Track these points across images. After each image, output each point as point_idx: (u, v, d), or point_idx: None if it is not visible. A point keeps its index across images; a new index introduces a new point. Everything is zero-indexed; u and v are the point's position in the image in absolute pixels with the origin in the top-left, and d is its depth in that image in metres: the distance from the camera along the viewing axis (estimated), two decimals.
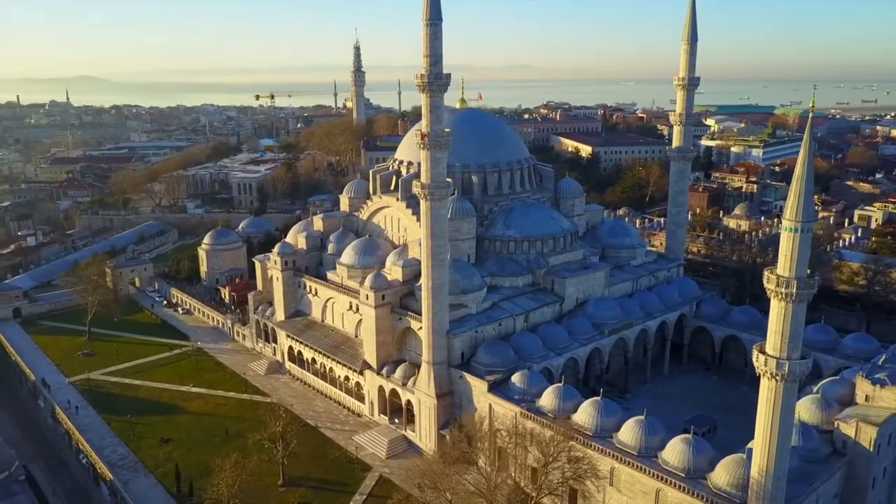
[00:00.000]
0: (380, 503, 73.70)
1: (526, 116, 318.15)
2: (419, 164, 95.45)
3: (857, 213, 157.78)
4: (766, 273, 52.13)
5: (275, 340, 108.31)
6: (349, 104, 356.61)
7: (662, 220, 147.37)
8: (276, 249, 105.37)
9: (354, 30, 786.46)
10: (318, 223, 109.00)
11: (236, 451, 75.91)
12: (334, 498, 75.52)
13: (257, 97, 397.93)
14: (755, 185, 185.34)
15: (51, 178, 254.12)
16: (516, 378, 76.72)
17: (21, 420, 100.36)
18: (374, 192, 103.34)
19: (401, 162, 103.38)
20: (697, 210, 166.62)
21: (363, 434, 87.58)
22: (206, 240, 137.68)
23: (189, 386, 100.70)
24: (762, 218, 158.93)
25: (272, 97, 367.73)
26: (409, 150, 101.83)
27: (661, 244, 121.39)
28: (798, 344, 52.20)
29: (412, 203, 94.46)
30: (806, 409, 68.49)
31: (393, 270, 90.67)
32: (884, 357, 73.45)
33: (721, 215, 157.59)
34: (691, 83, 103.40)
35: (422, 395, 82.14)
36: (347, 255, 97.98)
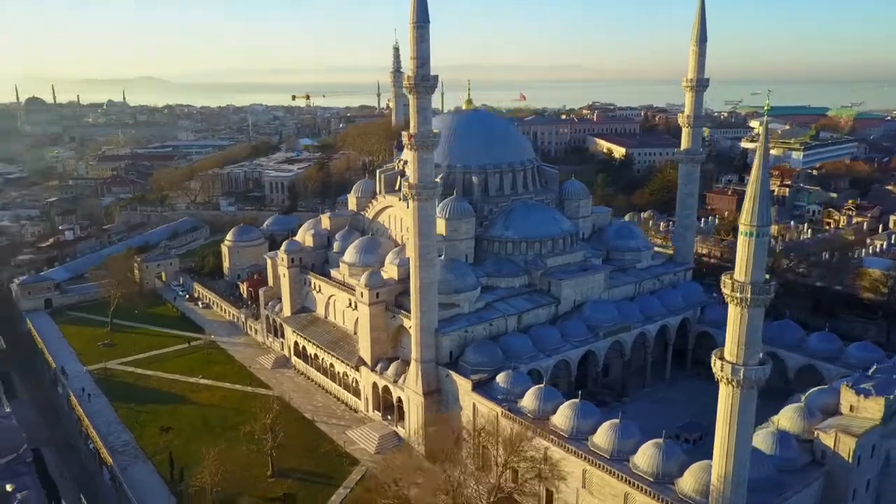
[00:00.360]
0: (362, 497, 74.99)
1: (563, 117, 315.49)
2: (448, 165, 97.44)
3: (892, 218, 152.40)
4: (722, 278, 51.56)
5: (282, 335, 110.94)
6: (391, 104, 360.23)
7: None
8: (283, 247, 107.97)
9: (394, 31, 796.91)
10: (325, 221, 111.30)
11: (227, 442, 78.33)
12: (319, 490, 77.21)
13: (294, 97, 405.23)
14: (787, 189, 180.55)
15: (98, 174, 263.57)
16: (500, 378, 77.19)
17: (41, 406, 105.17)
18: (380, 192, 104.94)
19: (405, 162, 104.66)
20: (725, 213, 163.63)
21: (357, 429, 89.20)
22: (229, 236, 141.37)
23: (198, 377, 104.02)
24: (792, 223, 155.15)
25: (308, 97, 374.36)
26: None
27: None
28: (755, 350, 51.48)
29: None
30: (788, 417, 67.37)
31: (389, 269, 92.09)
32: (875, 367, 71.42)
33: None
34: (700, 84, 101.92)
35: (410, 392, 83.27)
36: (349, 254, 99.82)
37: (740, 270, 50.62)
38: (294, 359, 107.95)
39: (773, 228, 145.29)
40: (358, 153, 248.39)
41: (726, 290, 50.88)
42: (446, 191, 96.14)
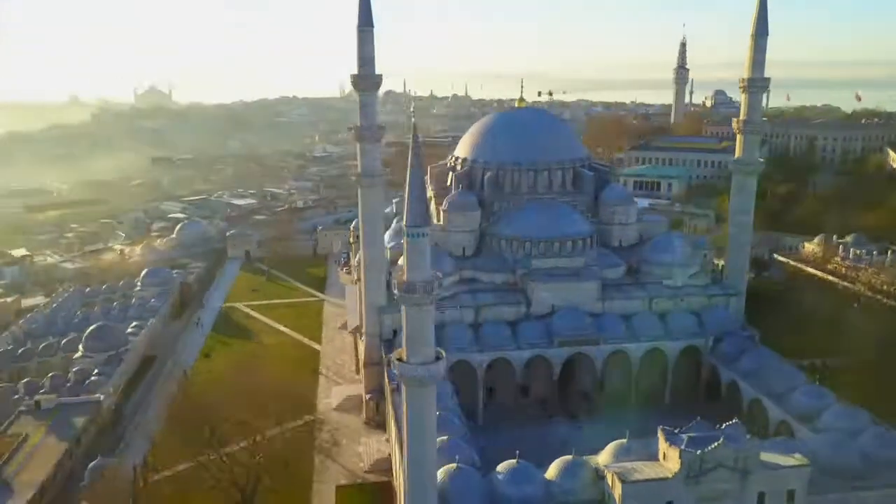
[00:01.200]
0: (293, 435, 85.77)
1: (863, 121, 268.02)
2: (464, 158, 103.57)
3: None
4: (394, 277, 52.55)
5: None
6: (673, 102, 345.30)
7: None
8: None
9: (682, 25, 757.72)
10: None
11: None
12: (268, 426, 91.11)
13: (539, 94, 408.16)
14: None
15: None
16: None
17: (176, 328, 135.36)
18: (430, 185, 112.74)
19: (457, 158, 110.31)
20: None
21: (341, 387, 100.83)
22: None
23: (281, 325, 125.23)
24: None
25: (551, 94, 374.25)
26: (462, 146, 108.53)
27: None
28: (421, 348, 51.66)
29: (441, 194, 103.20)
30: (608, 451, 61.67)
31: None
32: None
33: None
34: (755, 84, 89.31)
35: (363, 360, 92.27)
36: (388, 237, 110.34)
37: (406, 270, 51.34)
38: None
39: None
40: (592, 148, 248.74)
41: (396, 291, 51.88)
42: (460, 184, 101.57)
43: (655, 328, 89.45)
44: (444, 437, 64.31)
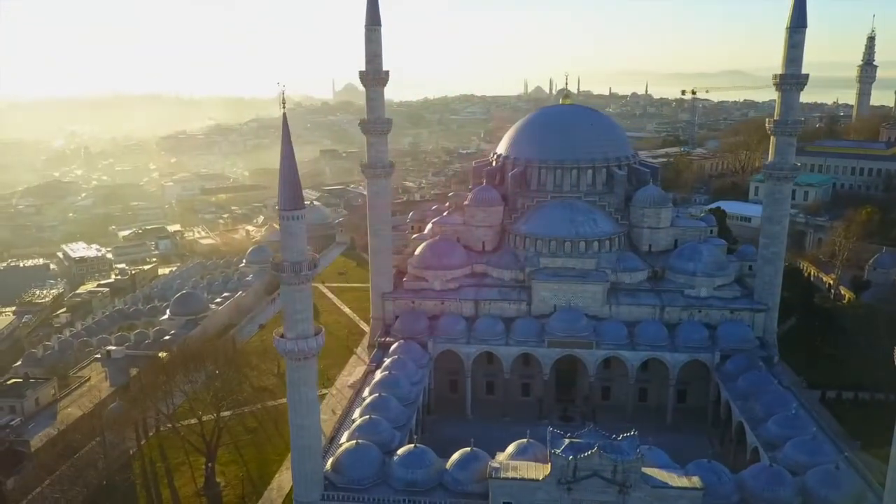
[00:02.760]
0: None
1: None
2: (499, 154, 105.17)
3: None
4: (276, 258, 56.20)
5: None
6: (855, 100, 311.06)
7: None
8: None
9: (872, 16, 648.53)
10: None
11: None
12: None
13: (683, 92, 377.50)
14: None
15: None
16: (395, 346, 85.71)
17: None
18: (471, 180, 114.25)
19: (499, 156, 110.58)
20: None
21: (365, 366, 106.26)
22: None
23: (346, 307, 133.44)
24: None
25: (694, 92, 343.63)
26: (502, 142, 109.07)
27: None
28: (296, 325, 55.44)
29: None
30: (510, 449, 61.26)
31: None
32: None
33: None
34: (789, 81, 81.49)
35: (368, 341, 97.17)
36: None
37: (283, 251, 55.20)
38: None
39: None
40: (733, 152, 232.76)
41: (275, 271, 55.78)
42: (489, 179, 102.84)
43: (659, 338, 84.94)
44: (367, 417, 67.60)
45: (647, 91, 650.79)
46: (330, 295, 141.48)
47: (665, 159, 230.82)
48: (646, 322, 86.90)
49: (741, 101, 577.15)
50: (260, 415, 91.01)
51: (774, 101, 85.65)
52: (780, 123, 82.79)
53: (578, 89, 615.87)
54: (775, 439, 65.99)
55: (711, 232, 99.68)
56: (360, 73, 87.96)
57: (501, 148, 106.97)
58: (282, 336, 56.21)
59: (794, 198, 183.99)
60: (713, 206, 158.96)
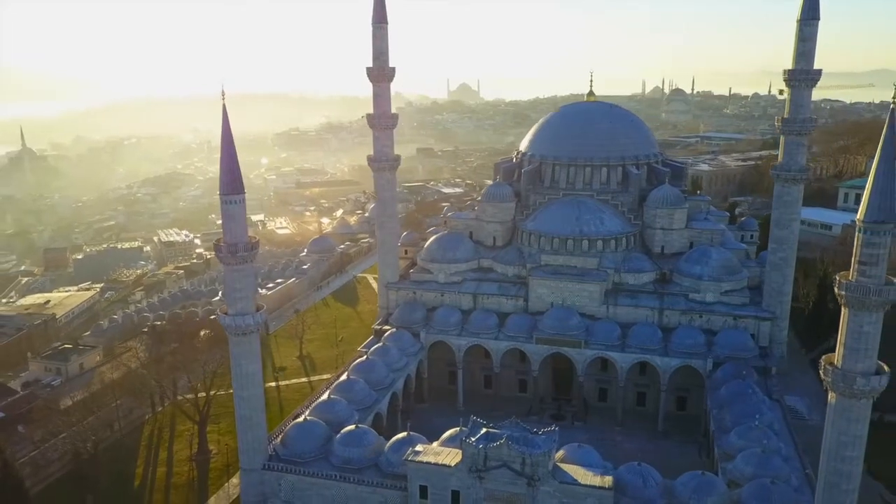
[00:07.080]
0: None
1: None
2: (523, 153, 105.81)
3: None
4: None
5: None
6: None
7: None
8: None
9: None
10: None
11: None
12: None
13: (780, 91, 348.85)
14: None
15: None
16: (387, 334, 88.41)
17: None
18: (496, 179, 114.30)
19: (519, 152, 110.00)
20: None
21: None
22: None
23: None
24: None
25: (781, 92, 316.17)
26: (525, 141, 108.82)
27: None
28: (236, 303, 59.46)
29: None
30: (444, 437, 62.52)
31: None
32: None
33: None
34: (799, 77, 77.13)
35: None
36: None
37: (223, 234, 59.19)
38: None
39: None
40: (833, 156, 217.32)
41: (215, 252, 59.92)
42: (505, 176, 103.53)
43: (652, 341, 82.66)
44: (327, 396, 70.81)
45: (769, 91, 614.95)
46: (374, 285, 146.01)
47: (753, 162, 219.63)
48: (640, 324, 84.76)
49: (877, 102, 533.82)
50: (271, 392, 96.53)
51: None
52: (789, 122, 78.37)
53: (693, 89, 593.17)
54: (731, 450, 63.19)
55: (748, 238, 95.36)
56: (367, 69, 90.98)
57: (523, 145, 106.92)
58: (226, 314, 60.28)
59: None
60: None
